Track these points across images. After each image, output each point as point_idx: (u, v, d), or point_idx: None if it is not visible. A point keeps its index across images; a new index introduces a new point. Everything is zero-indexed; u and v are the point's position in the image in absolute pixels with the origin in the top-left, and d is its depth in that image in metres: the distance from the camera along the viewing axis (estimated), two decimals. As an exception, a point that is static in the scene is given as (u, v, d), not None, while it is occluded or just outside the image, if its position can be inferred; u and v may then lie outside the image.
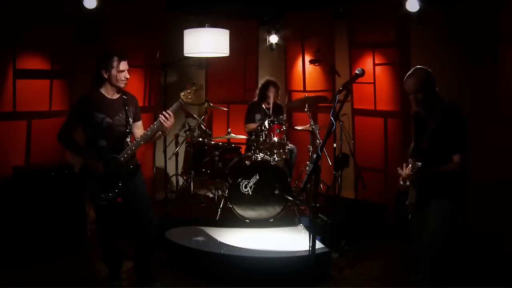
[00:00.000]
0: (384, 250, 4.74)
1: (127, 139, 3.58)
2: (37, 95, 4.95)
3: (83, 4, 4.76)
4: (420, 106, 3.17)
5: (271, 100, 5.83)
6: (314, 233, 2.69)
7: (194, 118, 5.76)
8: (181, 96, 3.53)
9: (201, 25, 5.79)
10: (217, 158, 5.34)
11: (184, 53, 5.62)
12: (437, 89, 3.17)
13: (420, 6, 5.00)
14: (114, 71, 3.48)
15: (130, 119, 3.59)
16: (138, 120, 3.72)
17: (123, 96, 3.61)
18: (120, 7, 5.33)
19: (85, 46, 5.10)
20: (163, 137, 4.05)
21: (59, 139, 3.54)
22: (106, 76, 3.49)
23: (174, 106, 3.53)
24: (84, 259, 4.50)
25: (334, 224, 4.46)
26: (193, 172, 5.57)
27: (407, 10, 5.05)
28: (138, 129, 3.69)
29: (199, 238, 4.43)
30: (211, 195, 5.72)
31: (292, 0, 6.38)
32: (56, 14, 4.87)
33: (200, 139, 5.69)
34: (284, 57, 7.13)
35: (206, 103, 5.80)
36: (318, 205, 2.63)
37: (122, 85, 3.55)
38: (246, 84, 7.15)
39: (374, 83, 5.73)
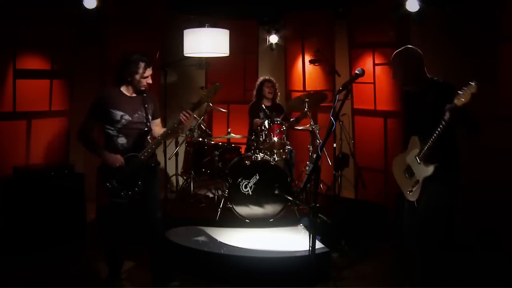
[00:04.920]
0: (384, 250, 4.75)
1: (147, 137, 3.59)
2: (37, 95, 4.96)
3: (83, 4, 4.75)
4: (402, 83, 3.16)
5: (267, 95, 5.89)
6: (314, 233, 2.69)
7: (194, 118, 5.76)
8: (202, 96, 3.59)
9: (201, 25, 5.80)
10: (217, 158, 5.35)
11: (184, 53, 5.62)
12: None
13: (420, 6, 4.99)
14: (138, 76, 3.49)
15: (149, 117, 3.59)
16: (157, 118, 3.73)
17: (143, 94, 3.62)
18: (120, 7, 5.32)
19: (85, 46, 5.10)
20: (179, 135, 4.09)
21: (78, 138, 3.52)
22: (129, 79, 3.51)
23: (194, 105, 3.55)
24: (84, 259, 4.50)
25: (334, 224, 4.45)
26: (193, 172, 5.57)
27: (407, 10, 5.04)
28: (157, 127, 3.71)
29: (199, 238, 4.43)
30: (211, 195, 5.72)
31: (292, 0, 6.38)
32: (56, 14, 4.87)
33: (200, 139, 5.69)
34: (284, 57, 7.13)
35: (206, 103, 5.80)
36: (318, 205, 2.63)
37: (142, 89, 3.57)
38: (246, 84, 7.15)
39: (374, 83, 5.72)
